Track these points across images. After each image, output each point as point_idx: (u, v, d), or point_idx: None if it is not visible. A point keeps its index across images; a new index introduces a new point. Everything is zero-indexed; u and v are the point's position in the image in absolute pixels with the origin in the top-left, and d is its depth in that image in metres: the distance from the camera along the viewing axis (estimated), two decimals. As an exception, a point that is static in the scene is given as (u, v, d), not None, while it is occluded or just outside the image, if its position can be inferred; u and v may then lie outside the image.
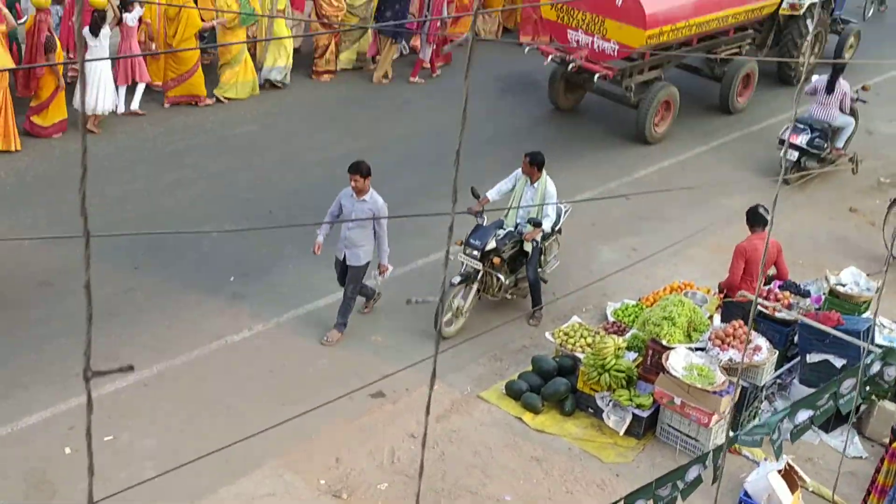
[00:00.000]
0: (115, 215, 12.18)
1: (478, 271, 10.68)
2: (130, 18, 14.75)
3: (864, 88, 15.48)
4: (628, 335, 10.45)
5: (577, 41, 15.52)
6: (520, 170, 11.16)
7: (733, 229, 12.32)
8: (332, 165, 13.61)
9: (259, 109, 15.83)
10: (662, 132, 16.08)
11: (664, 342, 9.73)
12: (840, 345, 9.55)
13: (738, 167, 15.28)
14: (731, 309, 10.35)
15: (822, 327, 9.57)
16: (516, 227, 11.15)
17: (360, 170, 10.06)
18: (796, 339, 10.41)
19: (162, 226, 12.33)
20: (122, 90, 14.98)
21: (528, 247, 11.06)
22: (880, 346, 8.15)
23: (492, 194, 11.25)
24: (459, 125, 2.39)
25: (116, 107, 14.77)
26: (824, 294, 10.88)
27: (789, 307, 10.38)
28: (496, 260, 10.71)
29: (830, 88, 14.82)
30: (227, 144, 14.69)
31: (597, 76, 15.42)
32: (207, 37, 16.26)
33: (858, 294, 10.66)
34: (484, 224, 10.88)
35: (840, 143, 15.19)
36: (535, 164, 11.00)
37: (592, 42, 15.37)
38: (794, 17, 18.25)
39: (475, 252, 10.58)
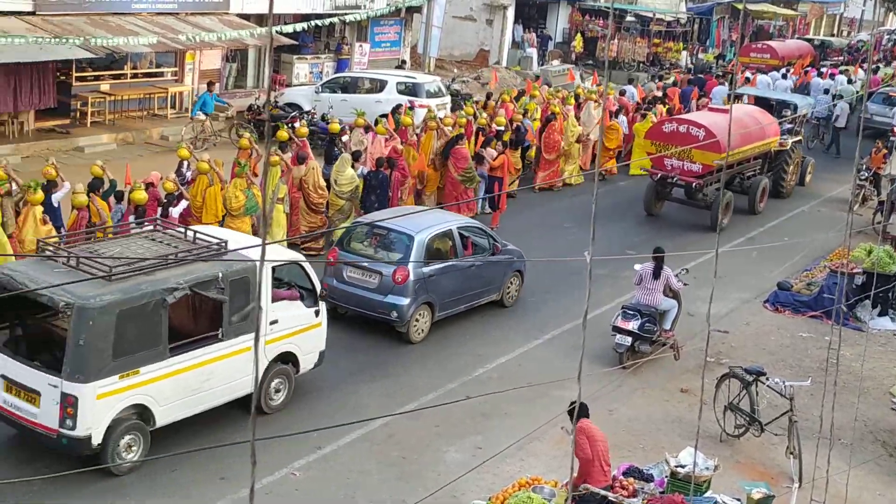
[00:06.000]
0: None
1: None
2: (176, 212, 16.31)
3: (685, 271, 16.43)
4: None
5: (672, 166, 23.16)
6: None
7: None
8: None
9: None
10: (727, 223, 23.51)
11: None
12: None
13: (572, 357, 15.61)
14: (583, 502, 10.36)
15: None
16: None
17: None
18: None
19: None
20: None
21: None
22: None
23: None
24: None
25: None
26: (666, 477, 11.10)
27: (634, 494, 10.51)
28: None
29: (657, 275, 15.57)
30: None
31: (694, 185, 23.11)
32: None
33: (698, 474, 10.91)
34: None
35: (668, 325, 15.87)
36: None
37: (683, 165, 22.99)
38: (782, 151, 26.62)
39: None
